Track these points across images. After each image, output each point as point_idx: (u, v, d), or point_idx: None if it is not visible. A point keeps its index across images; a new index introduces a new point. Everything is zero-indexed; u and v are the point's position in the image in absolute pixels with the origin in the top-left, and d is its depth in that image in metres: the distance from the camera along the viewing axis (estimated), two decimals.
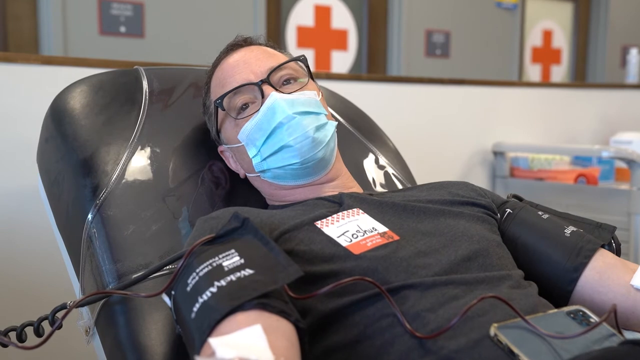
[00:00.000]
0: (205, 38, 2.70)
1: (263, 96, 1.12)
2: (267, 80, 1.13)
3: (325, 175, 1.17)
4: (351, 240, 0.99)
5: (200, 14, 2.71)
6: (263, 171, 1.15)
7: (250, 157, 1.15)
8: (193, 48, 2.66)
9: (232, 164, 1.24)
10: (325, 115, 1.16)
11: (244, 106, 1.15)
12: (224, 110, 1.15)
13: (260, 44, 1.22)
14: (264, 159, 1.13)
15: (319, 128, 1.12)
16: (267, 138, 1.11)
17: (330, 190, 1.17)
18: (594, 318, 0.89)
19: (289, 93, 1.13)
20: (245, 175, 1.23)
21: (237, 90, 1.14)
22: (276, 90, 1.12)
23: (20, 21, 2.37)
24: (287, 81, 1.16)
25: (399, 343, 0.86)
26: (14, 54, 1.71)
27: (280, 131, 1.10)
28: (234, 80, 1.15)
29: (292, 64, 1.18)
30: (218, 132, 1.21)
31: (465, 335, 0.84)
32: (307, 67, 1.21)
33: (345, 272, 0.93)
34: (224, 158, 1.26)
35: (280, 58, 1.19)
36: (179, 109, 1.32)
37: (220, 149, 1.25)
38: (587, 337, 0.84)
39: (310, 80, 1.20)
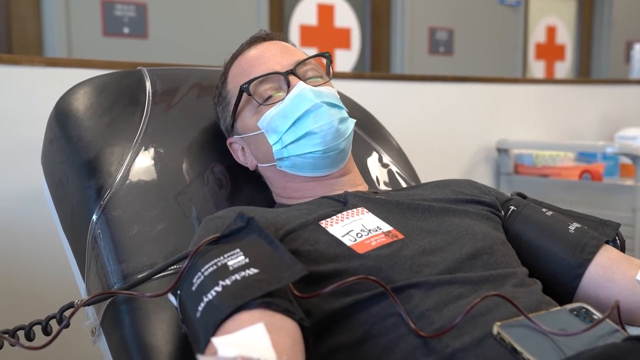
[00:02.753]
0: (209, 38, 2.70)
1: (289, 86, 1.14)
2: (293, 72, 1.15)
3: (340, 170, 1.17)
4: (355, 240, 0.99)
5: (203, 14, 2.71)
6: (282, 159, 1.16)
7: (271, 144, 1.15)
8: (196, 48, 2.66)
9: (241, 157, 1.24)
10: (347, 111, 1.17)
11: (268, 96, 1.15)
12: (249, 95, 1.15)
13: (282, 40, 1.24)
14: (285, 146, 1.14)
15: (342, 120, 1.14)
16: (292, 125, 1.12)
17: (340, 187, 1.17)
18: (597, 315, 0.89)
19: (314, 86, 1.15)
20: (257, 167, 1.23)
21: (263, 78, 1.15)
22: (302, 81, 1.14)
23: (24, 23, 2.38)
24: (311, 77, 1.18)
25: (403, 342, 0.86)
26: (18, 56, 1.72)
27: (306, 118, 1.11)
28: (260, 69, 1.16)
29: (313, 61, 1.20)
30: (233, 121, 1.21)
31: (470, 334, 0.84)
32: (330, 65, 1.23)
33: (350, 272, 0.93)
34: (232, 151, 1.26)
35: (302, 54, 1.20)
36: (182, 109, 1.32)
37: (229, 141, 1.25)
38: (590, 334, 0.84)
39: (329, 80, 1.22)
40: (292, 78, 1.14)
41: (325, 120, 1.12)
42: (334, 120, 1.12)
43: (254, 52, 1.20)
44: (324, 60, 1.25)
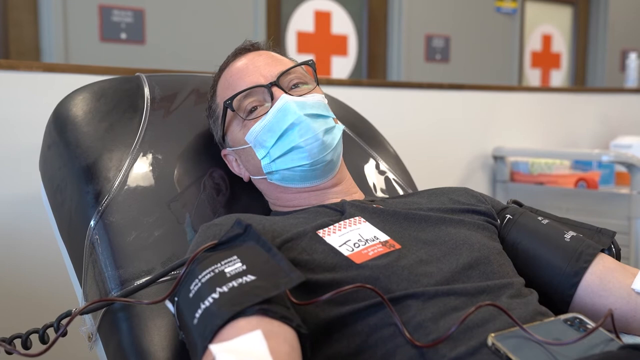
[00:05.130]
0: (206, 44, 2.70)
1: (272, 98, 1.13)
2: (276, 83, 1.14)
3: (330, 180, 1.17)
4: (353, 250, 0.99)
5: (200, 20, 2.72)
6: (271, 173, 1.16)
7: (259, 158, 1.15)
8: (193, 54, 2.67)
9: (235, 168, 1.25)
10: (333, 118, 1.17)
11: (253, 108, 1.15)
12: (233, 110, 1.16)
13: (267, 50, 1.24)
14: (273, 160, 1.14)
15: (327, 131, 1.14)
16: (278, 139, 1.12)
17: (333, 196, 1.17)
18: (591, 324, 0.90)
19: (298, 96, 1.14)
20: (250, 179, 1.24)
21: (246, 92, 1.15)
22: (286, 93, 1.14)
23: (21, 28, 2.38)
24: (296, 85, 1.17)
25: (400, 353, 0.86)
26: (16, 62, 1.72)
27: (291, 132, 1.11)
28: (244, 82, 1.16)
29: (299, 69, 1.20)
30: (224, 134, 1.21)
31: (465, 345, 0.85)
32: (315, 71, 1.22)
33: (347, 281, 0.93)
34: (227, 162, 1.26)
35: (288, 63, 1.20)
36: (180, 115, 1.32)
37: (223, 152, 1.26)
38: (585, 343, 0.85)
39: (317, 86, 1.21)
40: (275, 90, 1.14)
41: (310, 134, 1.11)
42: (319, 133, 1.12)
43: (239, 64, 1.20)
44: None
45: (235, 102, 1.15)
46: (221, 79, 1.22)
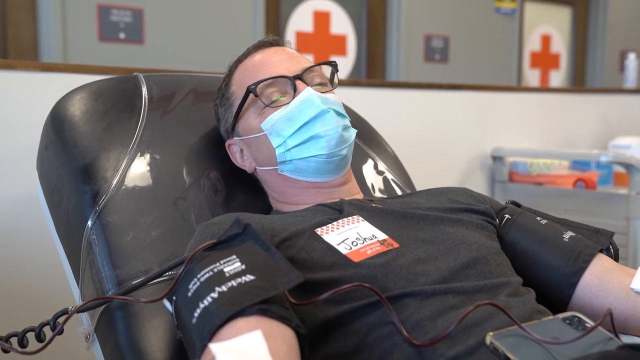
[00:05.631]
0: (205, 44, 2.70)
1: (295, 91, 1.14)
2: (300, 77, 1.16)
3: (341, 178, 1.18)
4: (351, 248, 0.99)
5: (199, 20, 2.71)
6: (284, 162, 1.16)
7: (274, 146, 1.16)
8: (192, 54, 2.67)
9: (239, 159, 1.25)
10: (350, 120, 1.19)
11: (274, 99, 1.16)
12: (256, 95, 1.16)
13: (288, 48, 1.25)
14: (289, 150, 1.14)
15: (346, 128, 1.16)
16: (298, 130, 1.13)
17: (338, 195, 1.18)
18: (589, 323, 0.90)
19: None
20: (255, 171, 1.23)
21: (271, 81, 1.16)
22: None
23: (20, 28, 2.38)
24: (318, 84, 1.19)
25: (398, 351, 0.86)
26: (14, 61, 1.72)
27: (313, 123, 1.13)
28: (268, 72, 1.17)
29: (320, 69, 1.21)
30: (235, 122, 1.21)
31: (463, 343, 0.85)
32: (336, 73, 1.24)
33: (345, 280, 0.93)
34: (229, 153, 1.26)
35: (309, 62, 1.22)
36: (178, 115, 1.32)
37: (228, 142, 1.25)
38: (584, 342, 0.85)
39: (332, 89, 1.23)
40: (299, 83, 1.15)
41: (332, 125, 1.13)
42: (339, 126, 1.14)
43: (260, 56, 1.21)
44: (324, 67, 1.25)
45: (258, 89, 1.16)
46: (239, 68, 1.23)
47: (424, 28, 3.48)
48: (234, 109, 1.20)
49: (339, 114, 1.15)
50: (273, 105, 1.16)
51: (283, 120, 1.14)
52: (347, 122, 1.17)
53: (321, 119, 1.12)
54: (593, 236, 1.15)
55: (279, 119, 1.14)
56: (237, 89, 1.20)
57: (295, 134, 1.13)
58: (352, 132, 1.18)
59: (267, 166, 1.20)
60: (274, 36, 1.26)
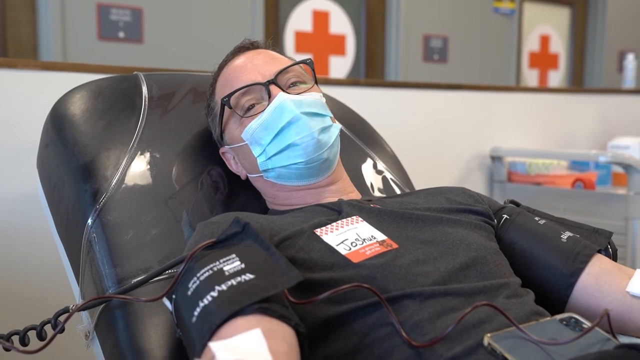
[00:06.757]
0: (204, 44, 2.70)
1: (270, 96, 1.13)
2: (274, 82, 1.14)
3: (327, 178, 1.17)
4: (350, 249, 0.99)
5: (198, 19, 2.72)
6: (267, 170, 1.16)
7: (255, 155, 1.15)
8: (191, 53, 2.67)
9: (233, 166, 1.25)
10: (330, 117, 1.17)
11: (250, 106, 1.16)
12: (230, 108, 1.16)
13: (266, 48, 1.24)
14: (269, 158, 1.14)
15: (323, 130, 1.14)
16: (275, 137, 1.12)
17: (330, 195, 1.18)
18: (587, 324, 0.90)
19: (295, 94, 1.15)
20: (247, 177, 1.24)
21: (244, 90, 1.15)
22: (283, 91, 1.14)
23: (19, 27, 2.38)
24: (294, 84, 1.17)
25: (397, 352, 0.87)
26: (14, 60, 1.72)
27: (287, 130, 1.11)
28: (242, 80, 1.17)
29: (297, 68, 1.20)
30: (222, 132, 1.21)
31: (462, 345, 0.85)
32: (313, 70, 1.22)
33: (345, 281, 0.93)
34: (225, 160, 1.27)
35: (286, 62, 1.20)
36: (178, 114, 1.33)
37: (221, 150, 1.26)
38: (581, 342, 0.85)
39: (315, 84, 1.21)
40: (272, 88, 1.14)
41: (306, 131, 1.11)
42: (314, 131, 1.12)
43: (237, 62, 1.21)
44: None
45: (232, 100, 1.16)
46: (220, 77, 1.23)
47: (423, 28, 3.49)
48: (217, 120, 1.21)
49: (314, 115, 1.14)
50: (248, 115, 1.15)
51: (260, 129, 1.13)
52: (326, 121, 1.15)
53: (295, 125, 1.11)
54: (591, 236, 1.15)
55: (257, 128, 1.13)
56: (218, 99, 1.21)
57: (272, 142, 1.12)
58: (334, 131, 1.17)
59: (254, 173, 1.20)
60: (251, 39, 1.25)
